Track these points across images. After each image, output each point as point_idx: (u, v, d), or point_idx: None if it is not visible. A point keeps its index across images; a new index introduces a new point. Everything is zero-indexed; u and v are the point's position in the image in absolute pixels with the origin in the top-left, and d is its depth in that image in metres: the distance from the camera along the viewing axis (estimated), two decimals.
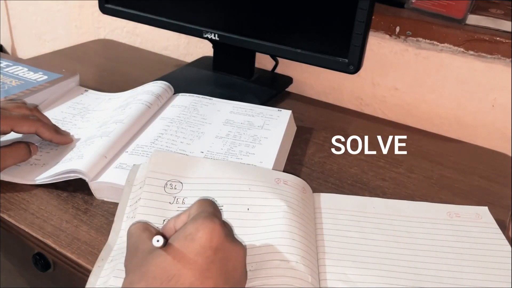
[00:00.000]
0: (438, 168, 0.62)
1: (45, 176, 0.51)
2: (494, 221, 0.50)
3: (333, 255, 0.44)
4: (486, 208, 0.52)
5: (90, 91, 0.72)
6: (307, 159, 0.62)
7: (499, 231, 0.48)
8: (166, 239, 0.34)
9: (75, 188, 0.52)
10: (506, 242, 0.47)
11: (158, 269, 0.32)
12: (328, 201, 0.51)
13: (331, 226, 0.47)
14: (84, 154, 0.52)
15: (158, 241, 0.33)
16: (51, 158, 0.55)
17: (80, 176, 0.50)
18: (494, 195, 0.58)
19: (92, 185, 0.50)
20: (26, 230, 0.47)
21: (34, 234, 0.46)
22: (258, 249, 0.40)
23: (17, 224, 0.48)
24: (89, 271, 0.43)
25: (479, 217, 0.50)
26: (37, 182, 0.52)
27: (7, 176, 0.52)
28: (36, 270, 0.53)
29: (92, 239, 0.46)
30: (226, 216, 0.43)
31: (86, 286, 0.40)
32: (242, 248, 0.35)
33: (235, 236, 0.36)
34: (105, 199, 0.51)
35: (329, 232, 0.46)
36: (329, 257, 0.43)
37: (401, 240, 0.46)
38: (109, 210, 0.50)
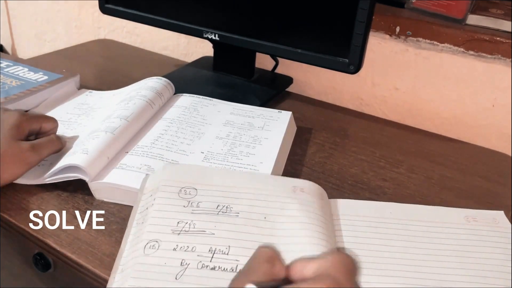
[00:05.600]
0: (438, 168, 0.62)
1: (50, 173, 0.51)
2: (510, 225, 0.50)
3: None
4: (502, 212, 0.51)
5: (94, 92, 0.72)
6: (308, 159, 0.62)
7: None
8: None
9: (76, 188, 0.52)
10: None
11: None
12: (345, 207, 0.50)
13: (350, 233, 0.46)
14: (88, 149, 0.52)
15: None
16: (58, 156, 0.54)
17: (81, 176, 0.50)
18: (494, 195, 0.58)
19: (92, 186, 0.50)
20: (26, 230, 0.47)
21: (34, 234, 0.46)
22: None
23: (17, 224, 0.48)
24: (89, 271, 0.43)
25: (496, 222, 0.50)
26: (44, 181, 0.51)
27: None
28: (36, 270, 0.53)
29: (92, 239, 0.46)
30: (242, 224, 0.43)
31: None
32: None
33: None
34: (105, 200, 0.51)
35: (348, 239, 0.46)
36: None
37: (421, 245, 0.46)
38: (109, 210, 0.50)
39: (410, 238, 0.46)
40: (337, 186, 0.57)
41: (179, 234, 0.41)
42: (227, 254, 0.40)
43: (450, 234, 0.47)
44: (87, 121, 0.63)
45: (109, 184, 0.50)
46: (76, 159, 0.50)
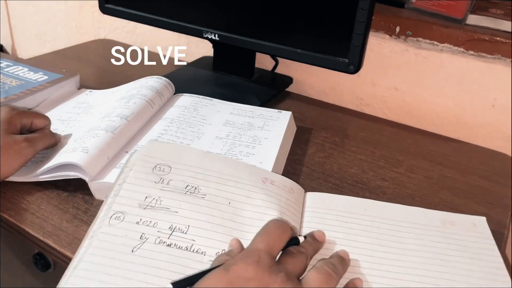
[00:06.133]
0: (438, 168, 0.62)
1: (48, 166, 0.50)
2: (489, 232, 0.48)
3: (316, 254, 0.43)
4: (484, 218, 0.50)
5: (94, 91, 0.72)
6: (307, 159, 0.62)
7: (493, 242, 0.47)
8: None
9: (76, 188, 0.52)
10: (498, 254, 0.45)
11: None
12: (319, 200, 0.50)
13: (317, 225, 0.46)
14: (89, 148, 0.51)
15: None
16: (56, 152, 0.54)
17: (81, 176, 0.50)
18: (494, 195, 0.58)
19: (92, 186, 0.50)
20: (26, 229, 0.47)
21: (34, 234, 0.46)
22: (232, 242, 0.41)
23: (17, 223, 0.48)
24: None
25: (475, 227, 0.48)
26: (41, 178, 0.51)
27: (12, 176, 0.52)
28: (36, 270, 0.53)
29: None
30: (205, 206, 0.44)
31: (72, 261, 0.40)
32: None
33: None
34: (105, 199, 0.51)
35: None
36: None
37: (386, 243, 0.45)
38: None
39: (377, 235, 0.46)
40: (337, 186, 0.57)
41: (144, 208, 0.43)
42: (185, 233, 0.42)
43: (420, 235, 0.47)
44: (86, 118, 0.63)
45: (110, 184, 0.50)
46: (77, 158, 0.50)
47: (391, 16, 0.75)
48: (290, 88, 0.84)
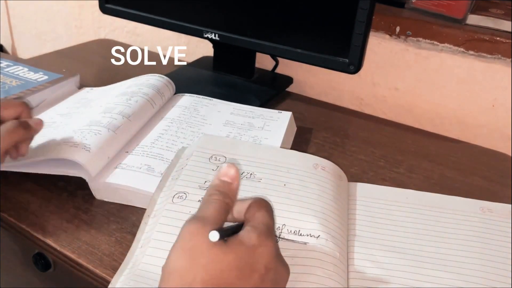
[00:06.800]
0: (438, 168, 0.62)
1: (48, 158, 0.50)
2: None
3: (363, 238, 0.46)
4: None
5: (95, 88, 0.72)
6: None
7: None
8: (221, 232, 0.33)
9: (76, 187, 0.52)
10: None
11: (217, 272, 0.31)
12: (363, 190, 0.53)
13: (364, 213, 0.49)
14: (91, 146, 0.51)
15: (214, 236, 0.32)
16: (55, 140, 0.53)
17: (81, 175, 0.50)
18: (494, 195, 0.58)
19: (93, 185, 0.50)
20: (27, 229, 0.47)
21: (34, 234, 0.47)
22: (290, 221, 0.43)
23: (17, 223, 0.48)
24: (89, 271, 0.43)
25: None
26: (39, 170, 0.51)
27: (8, 165, 0.51)
28: (36, 270, 0.53)
29: (92, 238, 0.46)
30: (262, 188, 0.47)
31: (134, 242, 0.42)
32: (288, 271, 0.35)
33: (283, 257, 0.36)
34: (105, 199, 0.51)
35: (361, 218, 0.49)
36: (359, 239, 0.46)
37: (430, 228, 0.48)
38: (110, 210, 0.50)
39: (421, 221, 0.49)
40: None
41: (205, 189, 0.45)
42: None
43: (462, 221, 0.49)
44: (85, 110, 0.63)
45: (110, 184, 0.50)
46: (79, 156, 0.50)
47: (391, 16, 0.75)
48: (290, 88, 0.84)
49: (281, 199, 0.45)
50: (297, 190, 0.46)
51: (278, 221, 0.43)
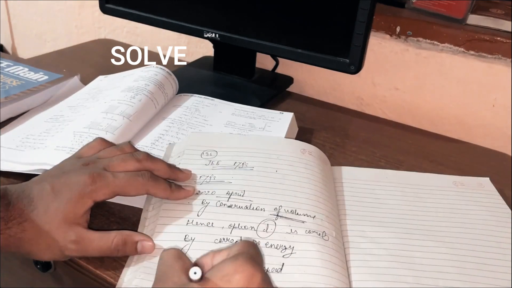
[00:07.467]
0: (438, 168, 0.62)
1: (46, 167, 0.50)
2: (495, 189, 0.56)
3: (353, 216, 0.50)
4: (487, 178, 0.57)
5: (109, 76, 0.72)
6: None
7: (500, 197, 0.54)
8: (202, 272, 0.32)
9: None
10: (506, 206, 0.53)
11: None
12: (345, 173, 0.57)
13: (349, 193, 0.53)
14: None
15: (195, 273, 0.31)
16: (53, 137, 0.54)
17: None
18: None
19: None
20: None
21: None
22: (286, 203, 0.46)
23: None
24: (89, 271, 0.43)
25: (482, 186, 0.56)
26: (36, 167, 0.51)
27: (8, 165, 0.52)
28: (36, 270, 0.53)
29: None
30: (256, 175, 0.49)
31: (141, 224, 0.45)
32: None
33: (272, 283, 0.35)
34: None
35: (348, 198, 0.52)
36: (349, 218, 0.49)
37: (412, 203, 0.52)
38: (110, 210, 0.50)
39: (403, 198, 0.53)
40: None
41: (201, 184, 0.48)
42: (242, 196, 0.46)
43: (439, 195, 0.54)
44: (92, 104, 0.63)
45: None
46: None
47: (391, 16, 0.75)
48: (291, 88, 0.84)
49: (275, 185, 0.48)
50: (288, 176, 0.49)
51: (275, 203, 0.46)
